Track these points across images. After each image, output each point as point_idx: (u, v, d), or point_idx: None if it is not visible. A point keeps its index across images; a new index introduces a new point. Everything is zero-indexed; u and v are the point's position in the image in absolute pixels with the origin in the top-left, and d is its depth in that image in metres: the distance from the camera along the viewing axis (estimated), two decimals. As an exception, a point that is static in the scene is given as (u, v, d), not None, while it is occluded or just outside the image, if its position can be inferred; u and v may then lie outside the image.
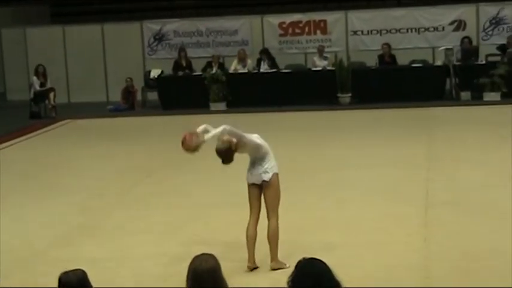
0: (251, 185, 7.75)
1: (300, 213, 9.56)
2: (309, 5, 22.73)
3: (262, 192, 7.73)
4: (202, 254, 4.56)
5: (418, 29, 21.68)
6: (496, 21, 21.34)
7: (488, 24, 21.38)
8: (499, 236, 8.31)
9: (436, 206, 9.65)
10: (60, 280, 4.60)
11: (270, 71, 20.15)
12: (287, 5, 22.86)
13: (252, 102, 19.37)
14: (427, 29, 21.63)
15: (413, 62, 20.19)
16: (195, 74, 20.36)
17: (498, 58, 19.36)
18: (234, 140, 7.52)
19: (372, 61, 20.42)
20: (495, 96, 18.39)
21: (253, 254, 7.77)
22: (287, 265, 7.52)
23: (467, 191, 10.35)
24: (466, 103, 18.25)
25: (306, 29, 22.24)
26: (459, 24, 21.44)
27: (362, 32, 21.95)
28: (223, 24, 22.46)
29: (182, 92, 19.72)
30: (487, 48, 20.48)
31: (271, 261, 7.79)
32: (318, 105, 18.87)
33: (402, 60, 20.36)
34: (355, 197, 10.29)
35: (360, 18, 21.96)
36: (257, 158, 7.70)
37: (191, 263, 4.52)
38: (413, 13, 21.71)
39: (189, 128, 7.88)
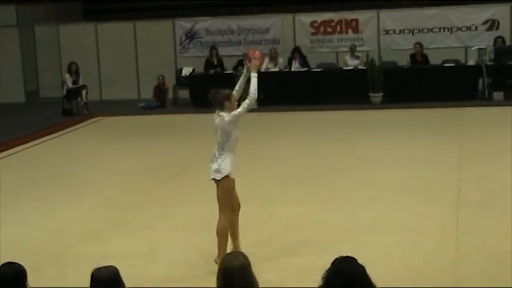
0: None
1: (330, 210, 9.56)
2: (340, 3, 22.67)
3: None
4: (233, 252, 4.56)
5: (451, 28, 21.53)
6: (530, 21, 21.15)
7: (522, 23, 21.19)
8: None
9: (468, 207, 9.59)
10: (92, 276, 4.60)
11: (301, 70, 20.14)
12: (319, 3, 22.82)
13: (283, 101, 19.35)
14: (459, 29, 21.47)
15: (446, 61, 20.06)
16: (226, 72, 20.39)
17: (533, 58, 19.18)
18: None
19: (403, 61, 20.32)
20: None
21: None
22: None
23: (499, 191, 10.27)
24: (499, 103, 18.09)
25: (338, 28, 22.17)
26: (492, 24, 21.27)
27: (394, 31, 21.85)
28: (254, 22, 22.47)
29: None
30: (521, 48, 20.28)
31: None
32: (349, 104, 18.83)
33: (434, 59, 20.24)
34: (386, 195, 10.25)
35: (391, 18, 21.86)
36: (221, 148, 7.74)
37: (222, 261, 4.52)
38: (445, 12, 21.56)
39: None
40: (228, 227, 7.78)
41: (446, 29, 21.50)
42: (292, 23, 22.27)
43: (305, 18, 22.24)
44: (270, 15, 22.57)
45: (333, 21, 22.15)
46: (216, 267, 4.59)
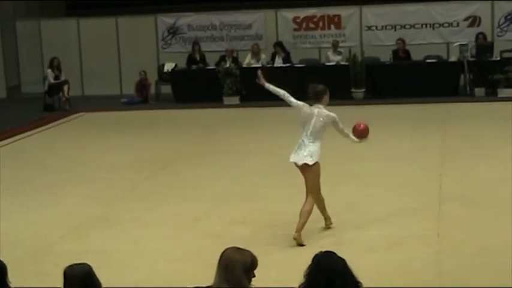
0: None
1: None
2: (323, -1, 22.71)
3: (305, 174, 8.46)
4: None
5: (433, 24, 21.59)
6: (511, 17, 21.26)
7: (503, 20, 21.27)
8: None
9: (450, 201, 9.64)
10: (65, 273, 4.55)
11: (283, 65, 20.14)
12: (302, -1, 22.87)
13: (265, 97, 19.29)
14: (441, 25, 21.54)
15: (428, 57, 20.13)
16: (208, 68, 20.37)
17: (513, 54, 19.28)
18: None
19: (386, 56, 20.38)
20: (509, 92, 18.30)
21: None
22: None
23: (481, 186, 10.33)
24: (480, 99, 18.19)
25: (320, 24, 22.19)
26: (474, 20, 21.35)
27: (376, 27, 21.90)
28: (237, 18, 22.45)
29: (196, 85, 19.75)
30: (502, 44, 20.38)
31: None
32: (331, 99, 18.79)
33: (416, 55, 20.29)
34: (369, 190, 10.29)
35: (374, 13, 21.90)
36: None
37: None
38: (427, 8, 21.63)
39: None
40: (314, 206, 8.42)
41: (428, 25, 21.57)
42: (274, 19, 22.27)
43: (288, 14, 22.24)
44: (252, 11, 22.56)
45: (315, 17, 22.17)
46: (211, 262, 4.57)
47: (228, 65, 19.74)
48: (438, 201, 9.63)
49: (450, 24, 21.44)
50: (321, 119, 8.49)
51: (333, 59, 20.27)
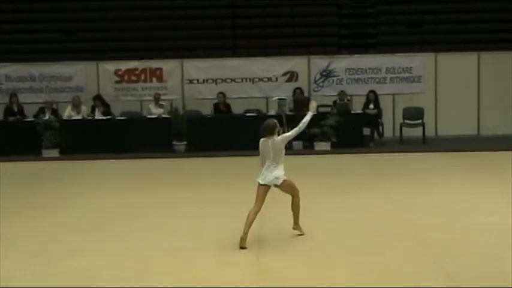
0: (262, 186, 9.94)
1: (129, 260, 9.42)
2: (145, 52, 22.76)
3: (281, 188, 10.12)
4: None
5: (253, 79, 22.15)
6: (326, 74, 22.13)
7: (319, 76, 22.14)
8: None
9: (268, 254, 9.75)
10: None
11: (104, 117, 19.98)
12: (123, 52, 22.79)
13: (86, 149, 19.10)
14: (261, 79, 22.13)
15: (248, 111, 20.56)
16: (27, 119, 19.90)
17: (328, 109, 20.03)
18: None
19: (207, 110, 20.66)
20: (325, 146, 19.00)
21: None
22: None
23: (293, 235, 10.54)
24: (298, 152, 18.70)
25: (142, 77, 22.27)
26: (292, 76, 22.10)
27: (198, 80, 22.20)
28: (57, 69, 22.15)
29: (14, 138, 19.24)
30: (318, 99, 21.08)
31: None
32: (153, 152, 18.85)
33: (237, 109, 20.69)
34: (184, 244, 10.23)
35: (195, 67, 22.21)
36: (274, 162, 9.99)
37: None
38: (248, 63, 22.17)
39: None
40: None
41: (248, 80, 22.10)
42: (96, 71, 22.12)
43: (109, 66, 22.17)
44: (73, 63, 22.30)
45: (137, 69, 22.23)
46: None
47: (47, 117, 19.34)
48: (256, 254, 9.73)
49: (269, 79, 22.06)
50: (278, 146, 9.94)
51: (155, 111, 20.32)
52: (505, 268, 8.47)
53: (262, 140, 10.08)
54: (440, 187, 13.90)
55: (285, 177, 10.08)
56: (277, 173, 9.99)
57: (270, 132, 10.03)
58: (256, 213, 9.96)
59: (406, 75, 22.16)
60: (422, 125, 20.59)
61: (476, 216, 11.31)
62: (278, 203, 10.72)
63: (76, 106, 20.32)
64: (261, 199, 9.97)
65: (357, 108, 20.64)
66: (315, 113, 10.84)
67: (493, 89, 22.13)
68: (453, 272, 8.42)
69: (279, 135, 10.05)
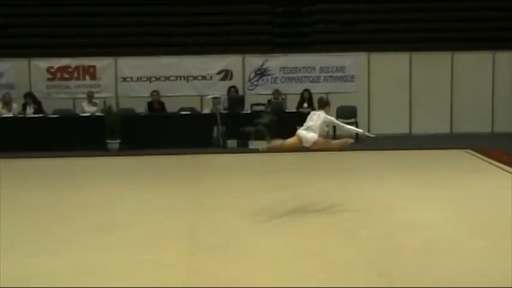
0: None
1: (64, 258, 9.30)
2: (78, 50, 22.48)
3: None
4: None
5: (187, 77, 22.08)
6: (261, 72, 22.18)
7: (253, 74, 22.18)
8: (260, 279, 8.48)
9: (200, 252, 9.72)
10: None
11: (36, 115, 19.69)
12: (56, 49, 22.48)
13: (18, 148, 18.81)
14: (195, 78, 22.07)
15: (182, 109, 20.50)
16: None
17: (263, 108, 20.09)
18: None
19: (141, 108, 20.52)
20: (259, 144, 18.96)
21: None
22: None
23: (231, 236, 10.53)
24: (233, 150, 18.72)
25: (75, 74, 22.02)
26: (226, 74, 22.09)
27: (132, 78, 22.04)
28: (-14, 67, 21.76)
29: None
30: (253, 98, 21.21)
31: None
32: (86, 151, 18.65)
33: (171, 107, 20.61)
34: (117, 244, 10.13)
35: (129, 65, 22.05)
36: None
37: None
38: (182, 61, 22.10)
39: None
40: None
41: (182, 78, 22.03)
42: (27, 68, 21.79)
43: (41, 63, 21.85)
44: (3, 59, 21.92)
45: (70, 67, 21.97)
46: None
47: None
48: (190, 252, 9.69)
49: (204, 78, 22.01)
50: (322, 119, 11.77)
51: (88, 109, 20.11)
52: (439, 264, 8.58)
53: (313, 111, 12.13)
54: (372, 184, 14.06)
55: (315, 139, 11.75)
56: (312, 135, 11.73)
57: (322, 106, 12.11)
58: (282, 143, 12.07)
59: (339, 74, 22.35)
60: (356, 123, 20.78)
61: (408, 213, 11.46)
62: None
63: (7, 103, 19.99)
64: (290, 140, 11.83)
65: (291, 107, 20.73)
66: (365, 133, 12.72)
67: (425, 88, 22.47)
68: (385, 269, 8.50)
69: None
